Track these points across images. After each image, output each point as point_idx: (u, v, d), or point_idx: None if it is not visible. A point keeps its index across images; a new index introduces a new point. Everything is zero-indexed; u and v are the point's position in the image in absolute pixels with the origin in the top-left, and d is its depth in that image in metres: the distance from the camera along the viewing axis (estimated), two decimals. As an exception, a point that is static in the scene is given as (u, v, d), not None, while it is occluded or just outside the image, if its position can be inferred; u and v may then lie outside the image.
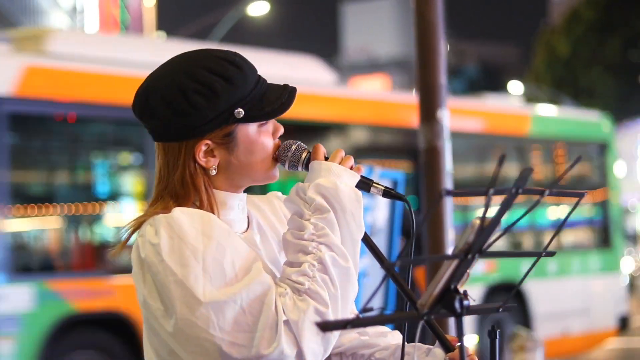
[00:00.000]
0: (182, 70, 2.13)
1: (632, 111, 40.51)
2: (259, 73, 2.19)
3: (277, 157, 2.20)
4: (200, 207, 2.12)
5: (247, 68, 2.15)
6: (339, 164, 2.15)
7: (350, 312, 2.10)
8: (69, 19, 48.44)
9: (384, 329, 2.36)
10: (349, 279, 2.05)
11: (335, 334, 2.08)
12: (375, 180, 2.21)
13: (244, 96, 2.12)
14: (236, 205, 2.19)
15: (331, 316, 2.00)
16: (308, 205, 2.08)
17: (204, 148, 2.13)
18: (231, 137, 2.13)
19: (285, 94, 2.17)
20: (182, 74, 2.12)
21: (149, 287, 2.04)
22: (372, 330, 2.33)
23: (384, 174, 5.91)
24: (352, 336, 2.32)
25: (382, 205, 5.84)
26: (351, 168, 2.17)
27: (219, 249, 2.02)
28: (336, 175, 2.12)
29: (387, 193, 2.20)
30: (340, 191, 2.08)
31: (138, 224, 2.11)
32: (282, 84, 2.22)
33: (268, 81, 2.21)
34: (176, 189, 2.12)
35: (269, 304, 1.98)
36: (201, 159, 2.13)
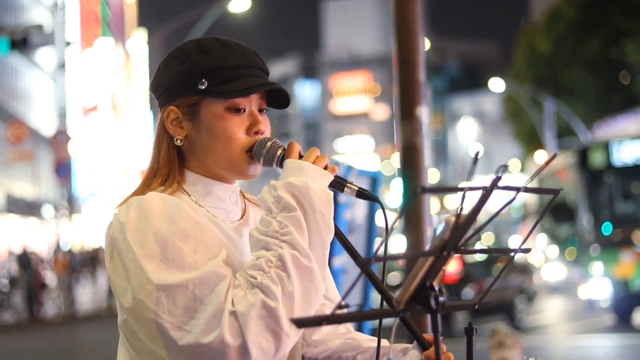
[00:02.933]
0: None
1: (612, 109, 40.68)
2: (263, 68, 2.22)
3: (253, 153, 2.19)
4: (164, 179, 2.17)
5: (235, 49, 2.20)
6: (313, 163, 2.14)
7: (315, 313, 2.08)
8: (50, 15, 48.30)
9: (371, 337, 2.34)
10: (312, 279, 2.04)
11: (296, 333, 2.04)
12: (349, 181, 2.20)
13: (214, 69, 2.15)
14: (227, 196, 2.23)
15: (282, 313, 1.98)
16: (277, 203, 2.08)
17: (172, 115, 2.19)
18: (195, 108, 2.18)
19: (258, 83, 2.18)
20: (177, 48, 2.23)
21: (114, 263, 2.08)
22: (360, 336, 2.32)
23: (361, 172, 5.90)
24: (339, 340, 2.31)
25: (361, 202, 5.83)
26: (325, 167, 2.16)
27: (182, 235, 2.04)
28: (308, 174, 2.11)
29: (360, 194, 2.19)
30: (311, 190, 2.08)
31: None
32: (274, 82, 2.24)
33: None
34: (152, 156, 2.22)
35: (219, 292, 1.99)
36: (169, 125, 2.19)
